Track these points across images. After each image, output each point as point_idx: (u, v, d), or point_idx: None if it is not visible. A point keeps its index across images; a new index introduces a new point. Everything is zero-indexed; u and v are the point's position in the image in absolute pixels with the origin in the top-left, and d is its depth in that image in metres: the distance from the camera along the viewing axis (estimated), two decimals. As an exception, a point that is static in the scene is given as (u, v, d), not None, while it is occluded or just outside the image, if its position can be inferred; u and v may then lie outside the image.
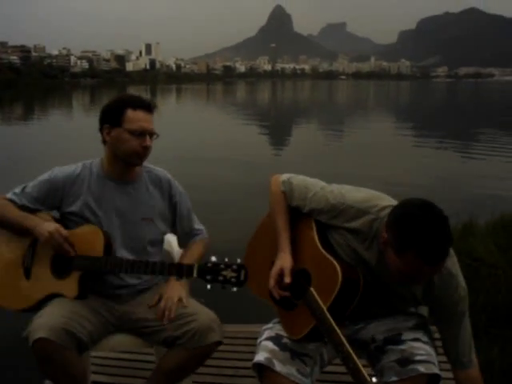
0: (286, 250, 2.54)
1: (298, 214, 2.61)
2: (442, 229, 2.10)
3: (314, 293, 2.34)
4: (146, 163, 2.94)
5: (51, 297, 2.76)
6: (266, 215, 2.76)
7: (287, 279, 2.43)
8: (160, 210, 2.96)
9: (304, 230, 2.60)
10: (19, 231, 2.81)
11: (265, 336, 2.46)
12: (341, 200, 2.40)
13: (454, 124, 31.93)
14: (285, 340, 2.39)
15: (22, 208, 2.84)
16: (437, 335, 2.49)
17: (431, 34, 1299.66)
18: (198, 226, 3.15)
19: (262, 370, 2.35)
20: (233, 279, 2.57)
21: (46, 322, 2.53)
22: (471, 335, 2.42)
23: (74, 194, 2.85)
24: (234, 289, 2.59)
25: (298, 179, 2.61)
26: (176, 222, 3.05)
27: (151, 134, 2.80)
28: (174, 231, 3.11)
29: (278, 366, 2.29)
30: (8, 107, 51.35)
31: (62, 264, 2.77)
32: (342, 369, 3.26)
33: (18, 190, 2.89)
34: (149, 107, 2.81)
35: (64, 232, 2.71)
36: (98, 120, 2.83)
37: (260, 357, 2.34)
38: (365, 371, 2.10)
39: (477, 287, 4.72)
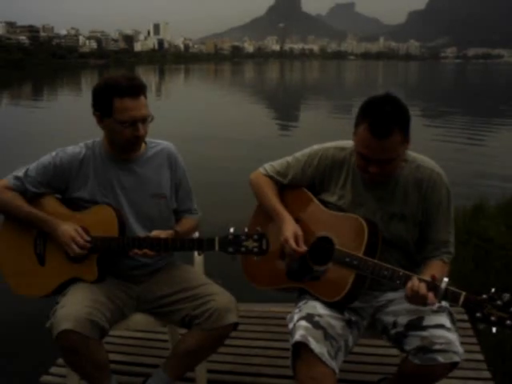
0: (288, 217, 2.64)
1: (293, 197, 2.76)
2: (393, 106, 2.33)
3: (342, 248, 2.45)
4: (150, 139, 2.89)
5: (70, 281, 2.76)
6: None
7: (302, 248, 2.54)
8: (170, 184, 2.92)
9: (304, 206, 2.70)
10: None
11: (296, 318, 2.46)
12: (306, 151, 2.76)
13: (465, 104, 31.71)
14: (316, 318, 2.40)
15: (26, 193, 2.78)
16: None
17: (440, 14, 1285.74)
18: (195, 205, 3.09)
19: (298, 350, 2.34)
20: (255, 249, 2.56)
21: (70, 313, 2.50)
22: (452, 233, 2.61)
23: (81, 178, 2.79)
24: (255, 258, 2.60)
25: (273, 163, 2.82)
26: (180, 197, 2.99)
27: (144, 119, 2.70)
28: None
29: (313, 344, 2.29)
30: (17, 87, 51.34)
31: None
32: (366, 350, 3.32)
33: (20, 173, 2.79)
34: (136, 91, 2.66)
35: (86, 237, 2.70)
36: (91, 102, 2.74)
37: (297, 336, 2.34)
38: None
39: (487, 268, 4.71)
